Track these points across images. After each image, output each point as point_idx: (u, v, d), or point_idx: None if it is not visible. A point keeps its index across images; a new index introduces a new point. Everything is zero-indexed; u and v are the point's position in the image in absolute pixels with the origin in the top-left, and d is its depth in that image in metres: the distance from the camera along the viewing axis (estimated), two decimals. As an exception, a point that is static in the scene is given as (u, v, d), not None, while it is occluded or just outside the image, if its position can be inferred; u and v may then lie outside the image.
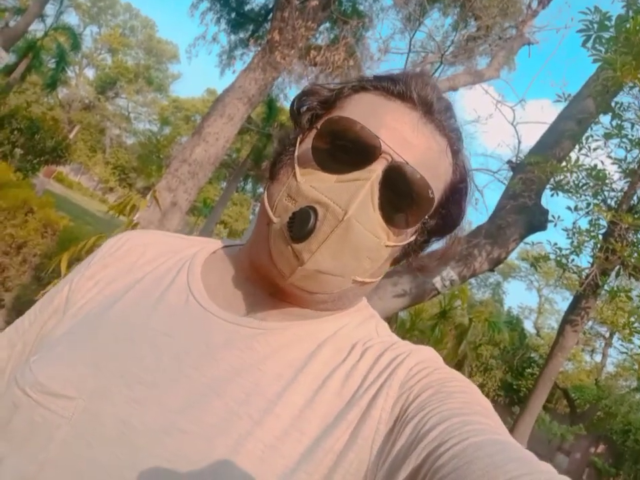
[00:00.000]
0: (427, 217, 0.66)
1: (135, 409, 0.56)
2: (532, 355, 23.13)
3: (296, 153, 0.66)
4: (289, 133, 0.71)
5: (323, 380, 0.60)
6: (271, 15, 11.79)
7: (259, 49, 10.86)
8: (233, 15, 15.72)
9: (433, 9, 11.51)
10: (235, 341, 0.62)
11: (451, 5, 12.47)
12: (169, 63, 42.04)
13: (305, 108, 0.69)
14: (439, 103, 0.66)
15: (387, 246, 0.63)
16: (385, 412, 0.56)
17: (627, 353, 5.45)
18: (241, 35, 16.08)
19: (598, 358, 24.38)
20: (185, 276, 0.71)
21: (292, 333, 0.65)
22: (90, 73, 39.96)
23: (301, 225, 0.59)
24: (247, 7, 15.59)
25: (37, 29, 18.95)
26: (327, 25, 12.68)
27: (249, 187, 34.13)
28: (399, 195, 0.61)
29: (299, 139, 0.68)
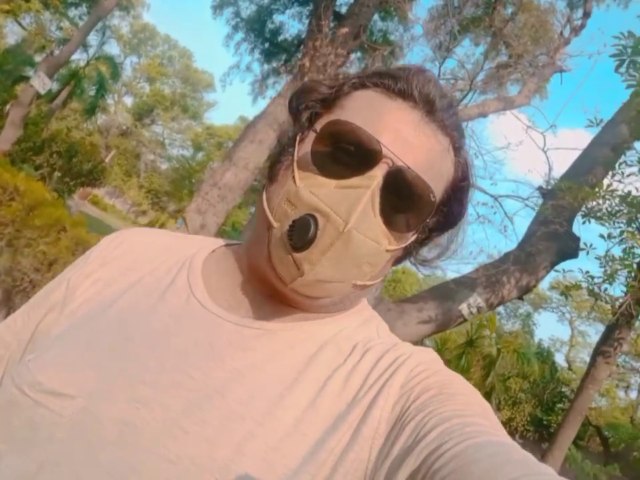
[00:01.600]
0: (427, 220, 0.66)
1: (137, 409, 0.55)
2: (563, 390, 22.27)
3: (295, 155, 0.65)
4: (287, 132, 0.70)
5: (324, 381, 0.60)
6: (303, 44, 12.06)
7: (290, 76, 11.09)
8: (267, 45, 16.17)
9: (464, 38, 11.60)
10: (238, 342, 0.62)
11: (483, 35, 12.55)
12: (204, 92, 43.32)
13: (304, 106, 0.68)
14: (441, 100, 0.64)
15: (387, 250, 0.63)
16: (386, 412, 0.56)
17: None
18: (274, 64, 16.47)
19: (633, 395, 23.34)
20: (185, 276, 0.70)
21: (294, 334, 0.64)
22: (128, 101, 41.45)
23: (301, 234, 0.58)
24: (280, 37, 16.01)
25: (79, 58, 19.82)
26: (359, 54, 12.90)
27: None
28: (400, 198, 0.61)
29: (297, 139, 0.67)
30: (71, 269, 0.75)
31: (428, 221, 0.66)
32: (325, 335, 0.65)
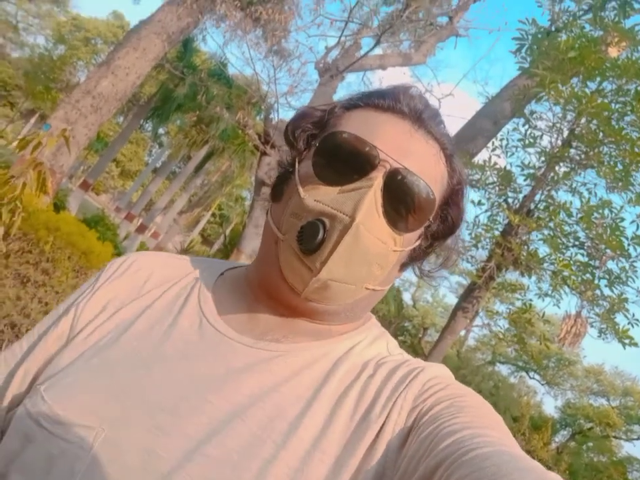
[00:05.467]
0: (429, 219, 0.68)
1: (158, 437, 0.55)
2: (406, 324, 24.80)
3: (296, 172, 0.67)
4: (286, 156, 0.73)
5: (338, 398, 0.61)
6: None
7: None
8: None
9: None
10: (254, 364, 0.63)
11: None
12: (70, -27, 37.49)
13: (300, 131, 0.71)
14: (427, 110, 0.69)
15: (394, 251, 0.65)
16: (399, 426, 0.57)
17: (502, 339, 6.06)
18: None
19: (462, 332, 26.72)
20: (195, 300, 0.71)
21: (308, 354, 0.65)
22: (-29, -34, 34.51)
23: (311, 237, 0.60)
24: None
25: None
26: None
27: (149, 126, 32.12)
28: (401, 199, 0.63)
29: (297, 160, 0.69)
30: (78, 294, 0.74)
31: (430, 220, 0.68)
32: (339, 353, 0.67)
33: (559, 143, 5.58)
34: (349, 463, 0.55)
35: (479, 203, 6.24)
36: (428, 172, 0.65)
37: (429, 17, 9.13)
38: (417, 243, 0.70)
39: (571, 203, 5.30)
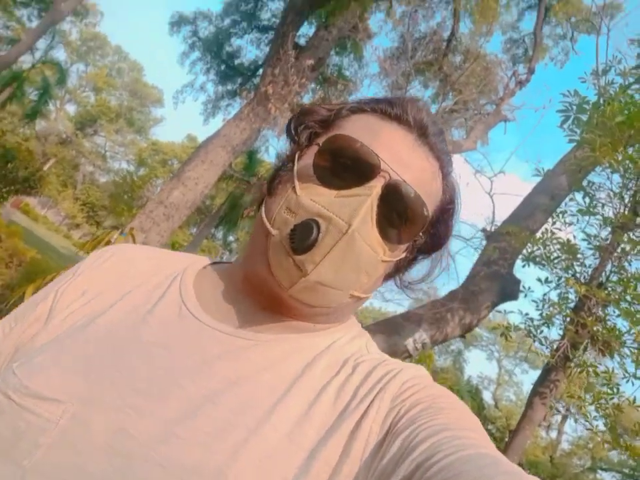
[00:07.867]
0: (420, 234, 0.68)
1: (128, 416, 0.54)
2: (489, 427, 22.93)
3: (295, 169, 0.67)
4: (286, 151, 0.73)
5: (317, 393, 0.60)
6: (261, 70, 12.17)
7: (245, 100, 11.13)
8: (223, 67, 16.19)
9: (414, 79, 12.12)
10: (230, 352, 0.62)
11: (432, 78, 13.18)
12: (152, 107, 42.55)
13: (303, 126, 0.71)
14: (433, 126, 0.68)
15: (383, 261, 0.64)
16: (376, 424, 0.56)
17: (591, 429, 5.44)
18: (228, 87, 16.53)
19: (554, 434, 24.37)
20: (177, 288, 0.70)
21: (287, 345, 0.65)
22: (71, 109, 39.99)
23: (304, 237, 0.59)
24: (237, 61, 16.09)
25: (22, 59, 19.04)
26: (312, 85, 13.15)
27: (219, 234, 33.97)
28: (396, 211, 0.63)
29: (297, 156, 0.69)
30: (59, 281, 0.73)
31: (420, 235, 0.68)
32: (318, 348, 0.66)
33: (622, 211, 5.35)
34: (322, 456, 0.54)
35: (547, 281, 5.95)
36: (425, 187, 0.66)
37: (476, 107, 9.45)
38: (404, 255, 0.70)
39: (643, 269, 4.96)
